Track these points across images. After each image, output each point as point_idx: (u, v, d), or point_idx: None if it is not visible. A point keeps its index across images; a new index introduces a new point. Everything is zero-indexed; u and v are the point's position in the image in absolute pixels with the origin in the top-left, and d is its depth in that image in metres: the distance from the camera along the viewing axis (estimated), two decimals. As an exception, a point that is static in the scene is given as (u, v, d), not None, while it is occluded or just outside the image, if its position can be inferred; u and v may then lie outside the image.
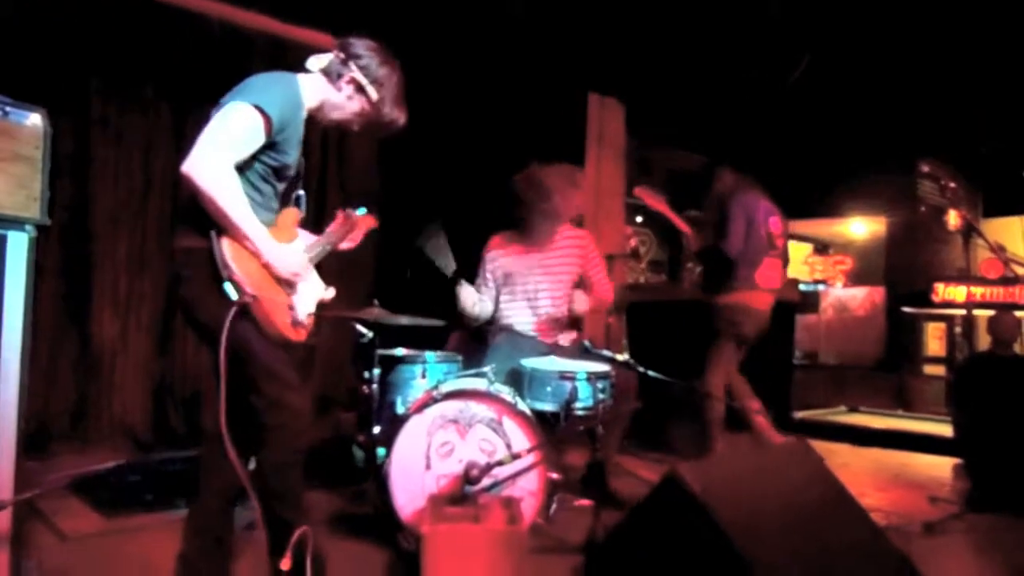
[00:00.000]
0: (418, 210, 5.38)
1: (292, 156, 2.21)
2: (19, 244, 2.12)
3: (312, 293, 2.33)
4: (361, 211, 2.71)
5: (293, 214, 2.37)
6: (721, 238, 4.08)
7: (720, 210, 4.16)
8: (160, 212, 4.43)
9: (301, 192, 2.40)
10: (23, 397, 2.13)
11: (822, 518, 2.08)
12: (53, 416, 4.11)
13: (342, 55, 2.26)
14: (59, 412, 4.15)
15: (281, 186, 2.26)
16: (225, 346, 1.95)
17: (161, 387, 4.47)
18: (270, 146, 2.11)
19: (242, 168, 2.08)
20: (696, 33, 5.55)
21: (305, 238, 2.40)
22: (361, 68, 2.25)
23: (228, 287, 2.01)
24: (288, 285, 2.20)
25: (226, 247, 2.03)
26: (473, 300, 3.59)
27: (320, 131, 5.00)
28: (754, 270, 4.12)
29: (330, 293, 2.42)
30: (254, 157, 2.10)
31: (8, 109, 2.10)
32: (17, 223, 2.12)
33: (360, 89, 2.26)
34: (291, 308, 2.19)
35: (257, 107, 2.02)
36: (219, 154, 1.97)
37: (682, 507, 1.91)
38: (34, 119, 2.17)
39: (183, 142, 4.46)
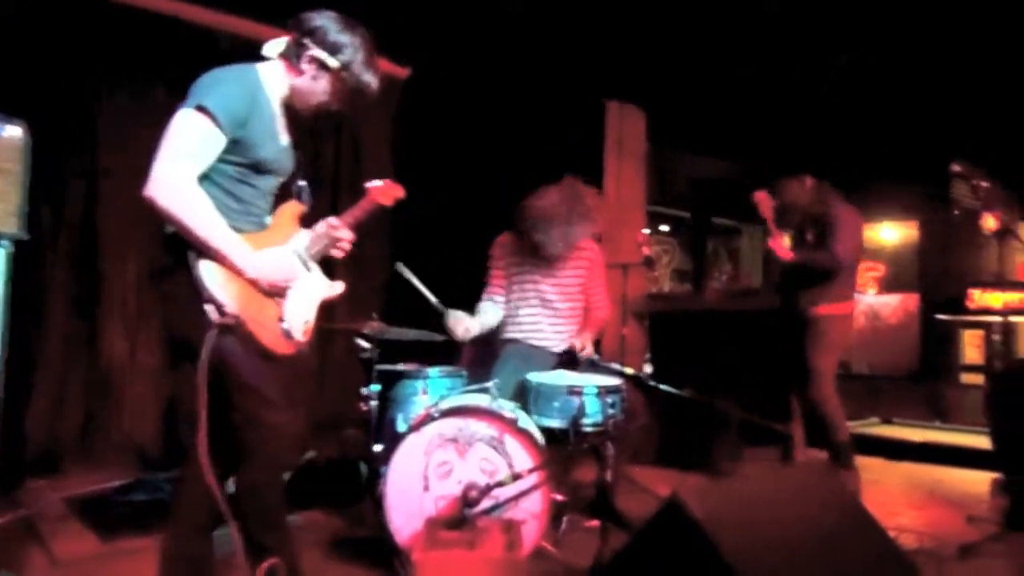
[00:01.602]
0: (433, 216, 5.33)
1: (267, 150, 2.09)
2: (-5, 260, 2.08)
3: (310, 296, 2.20)
4: (377, 183, 2.51)
5: (292, 208, 2.25)
6: (828, 247, 3.88)
7: (817, 220, 4.00)
8: (169, 227, 4.38)
9: (303, 183, 2.28)
10: (-1, 418, 2.07)
11: (840, 545, 1.92)
12: (63, 434, 4.07)
13: (296, 33, 2.12)
14: (69, 430, 4.10)
15: (266, 183, 2.15)
16: (204, 369, 1.86)
17: (170, 404, 4.42)
18: (234, 144, 2.00)
19: (211, 175, 1.99)
20: (717, 37, 5.41)
21: (308, 234, 2.25)
22: (318, 42, 2.09)
23: (209, 309, 1.92)
24: (278, 293, 2.09)
25: (204, 268, 1.94)
26: (464, 325, 3.40)
27: (334, 137, 5.07)
28: (854, 278, 4.12)
29: (337, 288, 2.29)
30: (225, 162, 2.00)
31: (-17, 122, 2.06)
32: (-8, 238, 2.07)
33: (322, 66, 2.10)
34: (281, 320, 2.08)
35: (202, 109, 1.92)
36: (177, 170, 1.89)
37: (684, 533, 1.77)
38: (12, 131, 2.13)
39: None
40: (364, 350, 3.23)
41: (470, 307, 3.56)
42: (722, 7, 5.01)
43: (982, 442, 4.90)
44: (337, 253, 2.32)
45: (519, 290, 3.55)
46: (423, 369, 3.21)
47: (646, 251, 3.58)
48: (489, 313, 3.56)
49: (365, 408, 3.15)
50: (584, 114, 5.84)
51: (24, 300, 2.20)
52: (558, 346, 3.52)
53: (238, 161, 2.03)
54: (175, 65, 4.28)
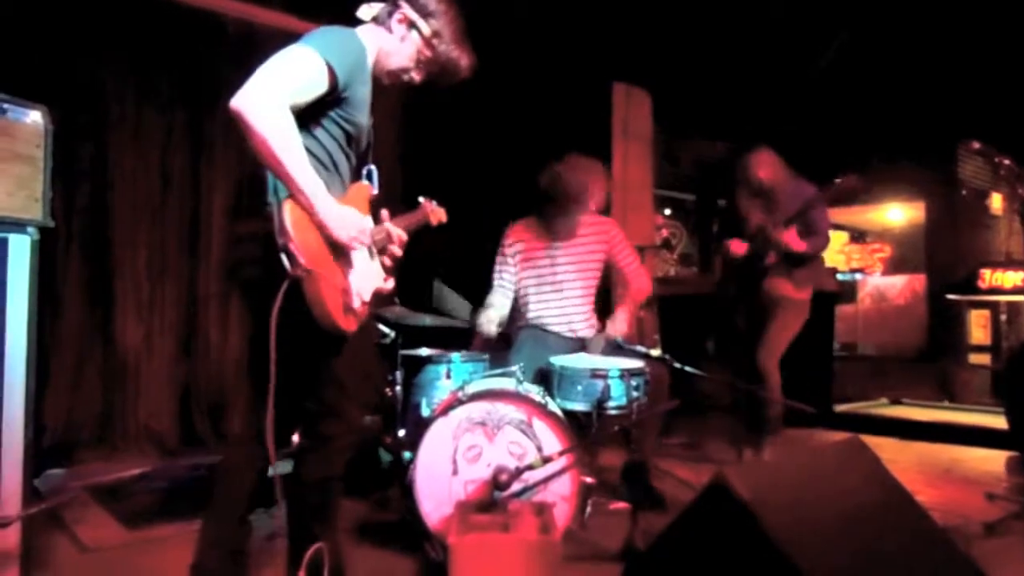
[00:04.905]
0: (441, 199, 5.30)
1: (363, 119, 2.01)
2: (21, 248, 2.04)
3: (371, 278, 2.09)
4: (430, 202, 2.57)
5: (364, 190, 2.15)
6: (819, 233, 3.87)
7: (789, 200, 3.93)
8: (179, 213, 4.36)
9: (372, 167, 2.19)
10: (30, 408, 2.05)
11: (880, 521, 1.91)
12: (79, 424, 4.06)
13: None
14: (85, 419, 4.09)
15: (355, 158, 2.09)
16: (274, 325, 1.74)
17: (186, 392, 4.41)
18: (338, 104, 1.91)
19: (317, 134, 1.93)
20: (723, 18, 5.37)
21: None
22: (412, 4, 2.04)
23: (283, 257, 1.77)
24: (346, 262, 1.96)
25: (288, 212, 1.77)
26: (489, 319, 3.47)
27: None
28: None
29: (389, 284, 2.17)
30: (328, 119, 1.92)
31: (6, 106, 2.02)
32: (18, 225, 2.04)
33: (412, 25, 2.04)
34: (345, 292, 1.93)
35: (321, 55, 1.82)
36: (275, 91, 1.72)
37: (729, 514, 1.76)
38: (34, 116, 2.09)
39: (200, 141, 4.40)
40: (385, 336, 3.21)
41: (473, 283, 3.55)
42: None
43: (992, 421, 4.92)
44: (396, 251, 2.20)
45: (535, 275, 3.52)
46: (446, 354, 3.19)
47: (664, 233, 3.57)
48: (503, 303, 3.56)
49: (391, 393, 3.14)
50: (590, 96, 5.79)
51: (37, 288, 2.15)
52: (575, 329, 3.50)
53: (341, 124, 1.95)
54: (183, 52, 4.25)
